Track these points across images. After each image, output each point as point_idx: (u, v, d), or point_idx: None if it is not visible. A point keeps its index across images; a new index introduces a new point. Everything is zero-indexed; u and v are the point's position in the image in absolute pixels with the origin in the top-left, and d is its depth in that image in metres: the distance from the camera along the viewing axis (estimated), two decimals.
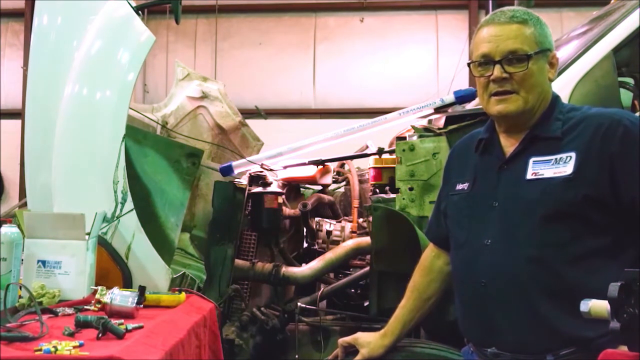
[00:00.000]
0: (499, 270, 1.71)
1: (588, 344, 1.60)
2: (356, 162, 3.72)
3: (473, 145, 1.91)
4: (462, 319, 1.86)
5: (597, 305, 1.31)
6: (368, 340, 2.06)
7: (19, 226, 2.17)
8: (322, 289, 3.31)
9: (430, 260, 2.06)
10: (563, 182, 1.65)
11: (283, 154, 3.36)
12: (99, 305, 2.07)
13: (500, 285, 1.71)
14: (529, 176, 1.71)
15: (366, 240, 3.23)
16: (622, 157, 1.63)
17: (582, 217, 1.64)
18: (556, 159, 1.69)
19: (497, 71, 1.74)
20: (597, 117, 1.70)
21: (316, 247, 3.54)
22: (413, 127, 2.85)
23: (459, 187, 1.89)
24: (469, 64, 1.82)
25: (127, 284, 2.43)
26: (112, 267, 2.45)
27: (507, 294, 1.70)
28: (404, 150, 2.65)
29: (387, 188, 2.97)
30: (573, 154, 1.66)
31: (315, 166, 3.41)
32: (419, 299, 2.05)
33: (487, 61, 1.76)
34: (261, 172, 3.34)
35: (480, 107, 2.05)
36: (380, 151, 3.16)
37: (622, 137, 1.64)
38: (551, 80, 1.80)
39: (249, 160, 3.33)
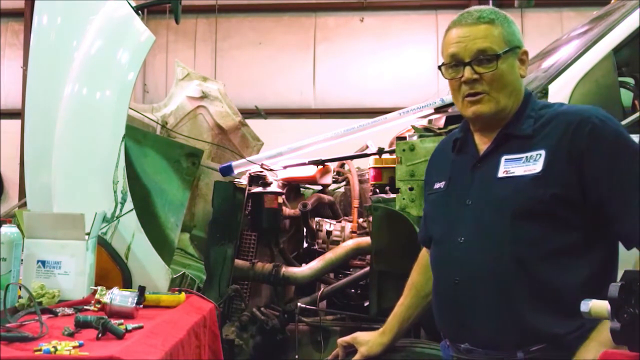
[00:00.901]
0: (471, 268, 1.72)
1: (558, 341, 1.62)
2: (356, 162, 3.72)
3: (451, 145, 1.92)
4: (437, 315, 1.87)
5: (597, 306, 1.31)
6: (367, 339, 2.08)
7: (18, 226, 2.17)
8: (322, 289, 3.31)
9: (428, 258, 2.05)
10: (532, 180, 1.65)
11: (283, 154, 3.36)
12: (99, 306, 2.07)
13: (472, 282, 1.71)
14: (501, 174, 1.71)
15: (366, 240, 3.23)
16: (590, 155, 1.62)
17: (552, 214, 1.64)
18: (527, 157, 1.69)
19: (467, 72, 1.73)
20: (567, 115, 1.70)
21: (316, 247, 3.54)
22: (413, 127, 2.85)
23: (436, 186, 1.90)
24: (439, 67, 1.82)
25: (126, 284, 2.43)
26: (112, 267, 2.45)
27: (478, 291, 1.70)
28: (404, 150, 2.64)
29: (387, 188, 2.96)
30: (543, 152, 1.66)
31: (315, 166, 3.41)
32: (417, 296, 2.07)
33: (457, 63, 1.76)
34: (261, 172, 3.34)
35: None
36: (380, 151, 3.16)
37: (589, 134, 1.63)
38: (523, 77, 1.80)
39: (249, 160, 3.33)
